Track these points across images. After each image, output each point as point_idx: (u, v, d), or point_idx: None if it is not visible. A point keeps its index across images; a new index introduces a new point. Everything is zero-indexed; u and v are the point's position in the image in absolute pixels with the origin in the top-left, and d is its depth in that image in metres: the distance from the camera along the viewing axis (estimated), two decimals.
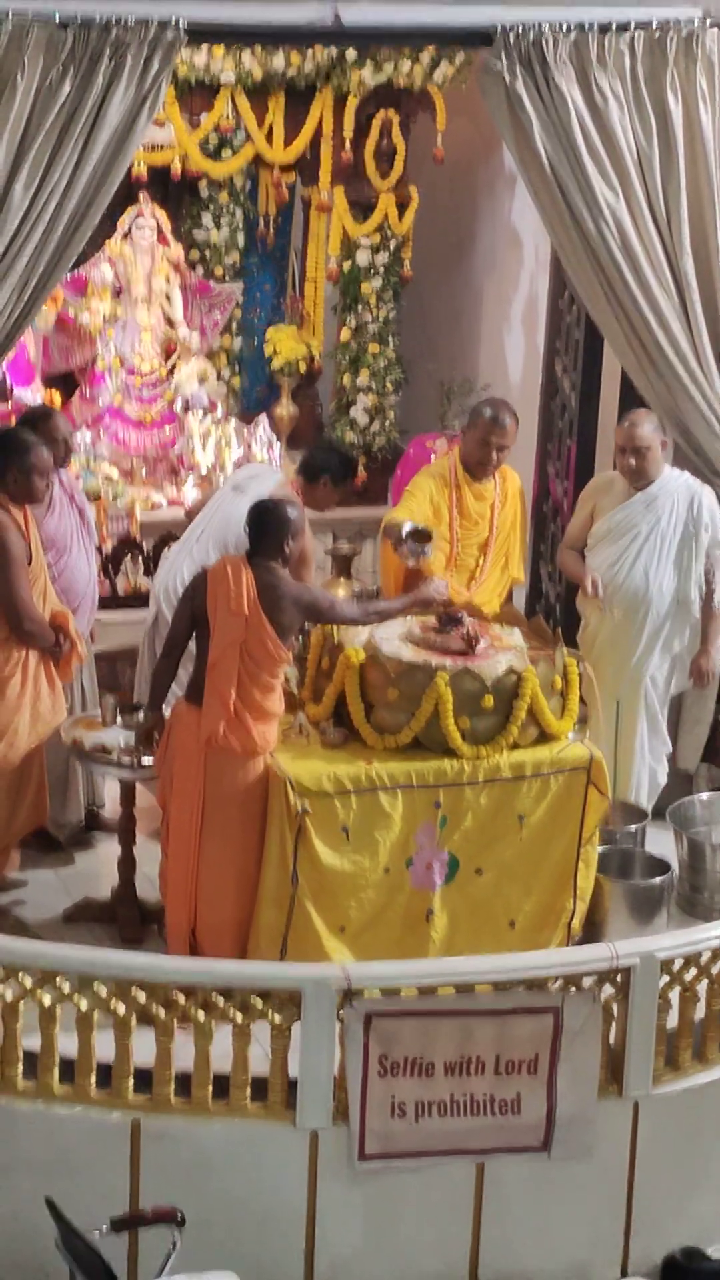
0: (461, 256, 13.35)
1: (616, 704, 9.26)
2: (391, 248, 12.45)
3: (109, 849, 9.14)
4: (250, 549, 8.10)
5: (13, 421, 9.55)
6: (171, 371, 12.45)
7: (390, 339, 12.60)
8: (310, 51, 11.62)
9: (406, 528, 8.93)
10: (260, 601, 7.94)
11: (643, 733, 9.43)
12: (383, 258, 12.44)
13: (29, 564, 8.43)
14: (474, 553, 9.35)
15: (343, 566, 9.71)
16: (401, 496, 9.50)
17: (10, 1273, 7.21)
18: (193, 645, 8.19)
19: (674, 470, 9.43)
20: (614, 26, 9.13)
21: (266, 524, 8.07)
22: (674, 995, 7.65)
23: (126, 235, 12.21)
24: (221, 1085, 7.29)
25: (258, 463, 11.40)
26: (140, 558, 11.30)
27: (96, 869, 9.29)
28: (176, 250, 12.40)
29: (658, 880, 8.81)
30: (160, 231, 12.30)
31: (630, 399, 10.00)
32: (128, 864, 8.71)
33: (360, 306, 12.51)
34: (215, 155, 12.14)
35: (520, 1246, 7.53)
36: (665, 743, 9.59)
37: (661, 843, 9.25)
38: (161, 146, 12.00)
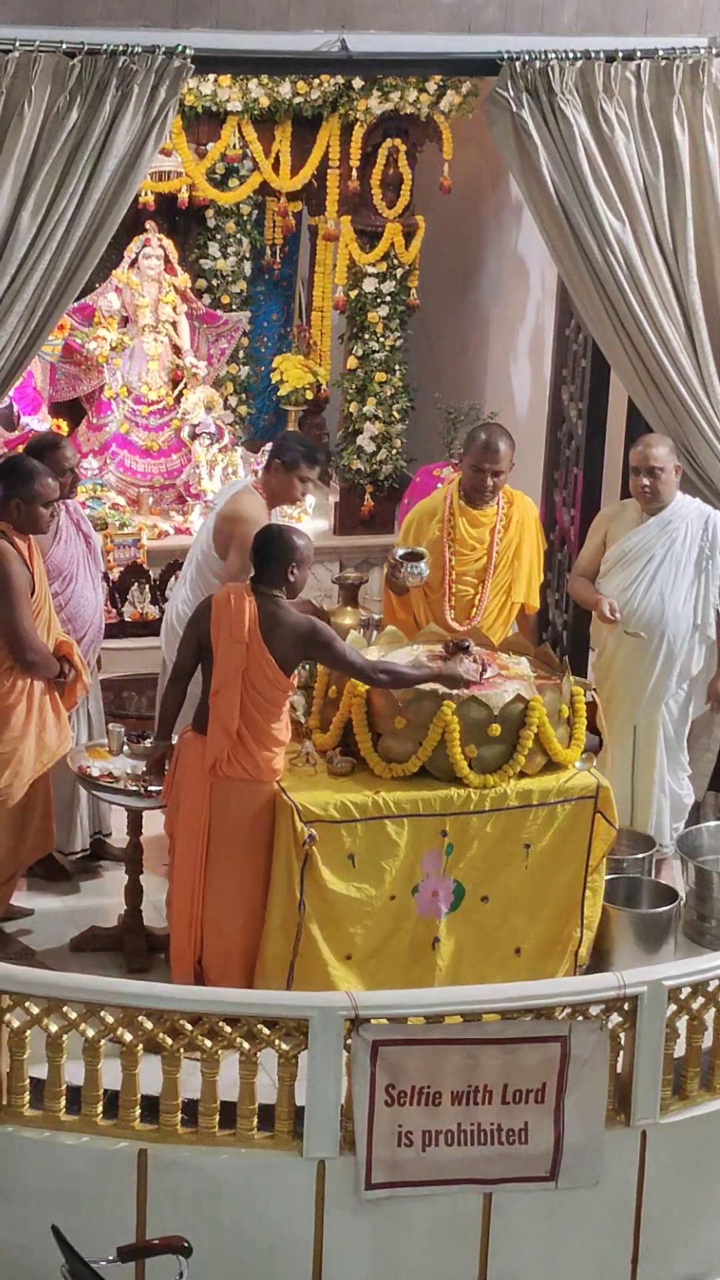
0: (468, 285, 13.37)
1: (634, 729, 9.24)
2: (398, 276, 12.45)
3: (116, 878, 9.12)
4: (254, 576, 8.08)
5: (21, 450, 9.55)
6: (178, 400, 12.46)
7: (397, 367, 12.60)
8: (317, 80, 11.63)
9: (399, 553, 8.90)
10: (260, 629, 7.92)
11: (662, 762, 9.37)
12: (389, 286, 12.44)
13: (32, 594, 8.40)
14: (472, 581, 9.24)
15: (349, 595, 9.68)
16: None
17: None
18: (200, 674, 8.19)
19: (686, 496, 9.39)
20: (620, 55, 9.17)
21: (270, 551, 8.02)
22: (681, 1024, 7.62)
23: (133, 264, 12.25)
24: (228, 1114, 7.27)
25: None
26: (147, 586, 11.32)
27: (103, 898, 9.28)
28: (183, 279, 12.43)
29: (665, 909, 8.80)
30: (167, 260, 12.34)
31: (637, 427, 10.01)
32: (135, 892, 8.69)
33: (367, 335, 12.52)
34: (222, 184, 12.16)
35: (527, 1276, 7.50)
36: (685, 766, 9.54)
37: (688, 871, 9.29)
38: (169, 175, 12.04)
